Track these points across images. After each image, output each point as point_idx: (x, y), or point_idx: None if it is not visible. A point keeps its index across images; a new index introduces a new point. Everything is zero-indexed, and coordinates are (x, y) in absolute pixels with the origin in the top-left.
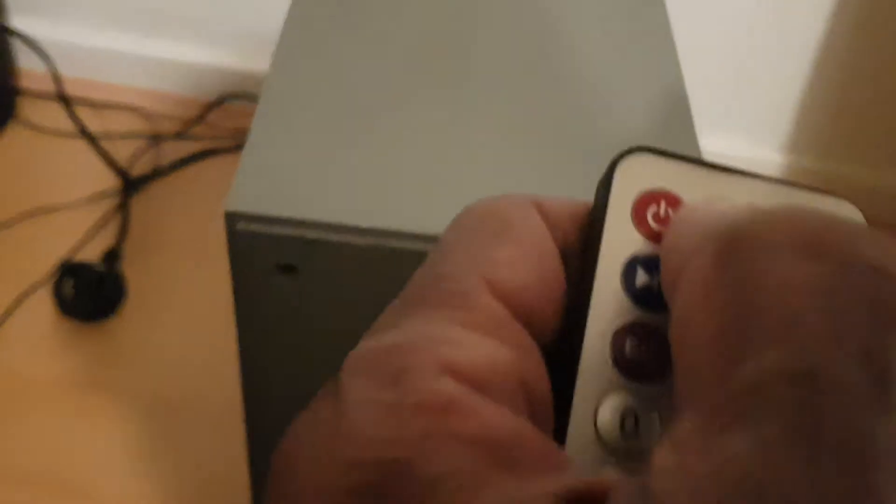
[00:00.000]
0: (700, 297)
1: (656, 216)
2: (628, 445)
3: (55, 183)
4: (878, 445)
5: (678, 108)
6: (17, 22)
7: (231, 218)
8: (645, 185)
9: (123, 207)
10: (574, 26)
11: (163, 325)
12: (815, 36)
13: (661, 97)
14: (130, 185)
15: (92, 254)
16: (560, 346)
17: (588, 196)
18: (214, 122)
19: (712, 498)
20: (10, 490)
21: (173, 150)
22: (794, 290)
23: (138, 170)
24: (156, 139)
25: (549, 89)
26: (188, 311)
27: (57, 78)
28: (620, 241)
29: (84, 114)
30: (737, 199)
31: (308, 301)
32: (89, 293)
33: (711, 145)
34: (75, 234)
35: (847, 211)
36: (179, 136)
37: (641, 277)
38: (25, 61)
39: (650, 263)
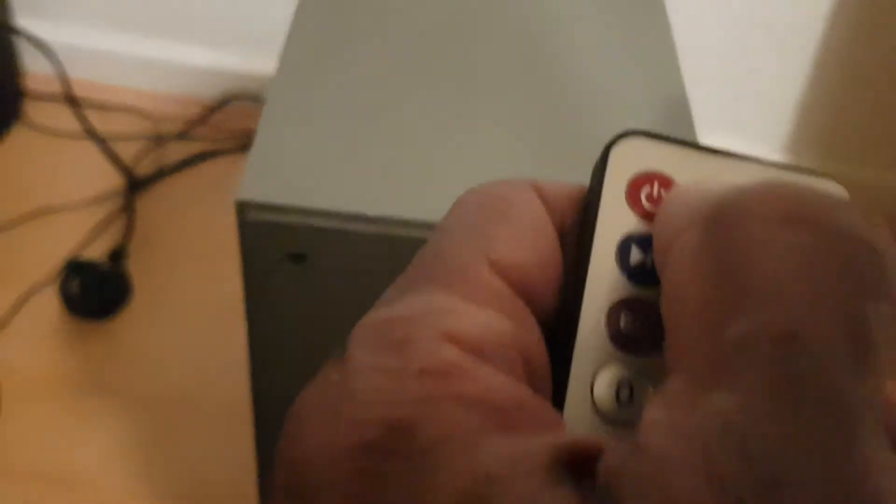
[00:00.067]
0: (688, 266)
1: (649, 197)
2: (623, 416)
3: (60, 183)
4: (857, 400)
5: (678, 108)
6: (21, 23)
7: (242, 207)
8: (639, 168)
9: (128, 207)
10: (574, 26)
11: (167, 322)
12: (815, 36)
13: (661, 97)
14: (135, 185)
15: (97, 253)
16: (558, 324)
17: (585, 183)
18: (217, 123)
19: (698, 447)
20: (15, 487)
21: (177, 151)
22: (776, 257)
23: (142, 170)
24: (159, 140)
25: (550, 88)
26: (193, 309)
27: (63, 79)
28: (615, 220)
29: (87, 115)
30: (728, 180)
31: (317, 289)
32: (95, 291)
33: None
34: (80, 234)
35: (834, 190)
36: (183, 136)
37: (635, 255)
38: (30, 63)
39: (644, 242)
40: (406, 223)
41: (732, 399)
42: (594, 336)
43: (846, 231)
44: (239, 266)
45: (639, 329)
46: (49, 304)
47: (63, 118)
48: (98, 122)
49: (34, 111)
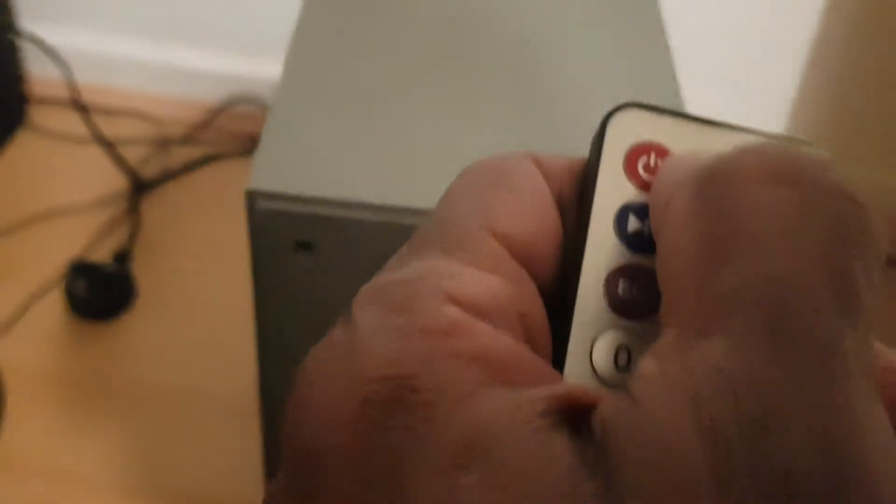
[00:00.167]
0: (681, 225)
1: (647, 167)
2: (622, 380)
3: (66, 186)
4: (841, 345)
5: (672, 106)
6: (26, 27)
7: (251, 196)
8: (636, 139)
9: (133, 210)
10: (571, 25)
11: (172, 324)
12: (811, 35)
13: (655, 96)
14: (140, 188)
15: (102, 255)
16: (557, 292)
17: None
18: (221, 127)
19: (688, 393)
20: (20, 485)
21: (181, 154)
22: (764, 212)
23: (147, 173)
24: (164, 143)
25: (546, 85)
26: (197, 310)
27: (70, 83)
28: (613, 190)
29: (93, 118)
30: (723, 150)
31: (324, 277)
32: (100, 293)
33: None
34: (86, 236)
35: (823, 155)
36: (187, 140)
37: (633, 223)
38: (34, 67)
39: (641, 211)
40: (409, 211)
41: (721, 345)
42: (593, 302)
43: (831, 188)
44: (239, 266)
45: (636, 295)
46: (55, 305)
47: (68, 122)
48: (103, 125)
49: (39, 115)
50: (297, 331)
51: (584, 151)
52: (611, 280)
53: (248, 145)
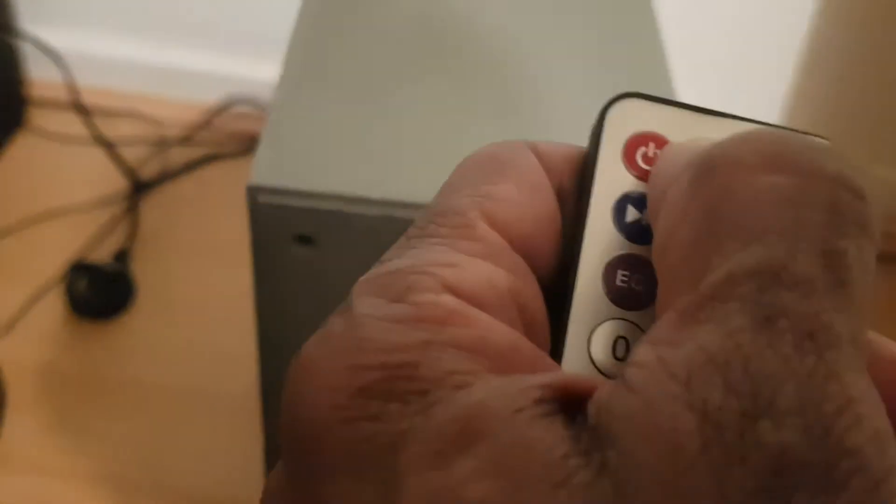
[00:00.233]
0: (677, 213)
1: (645, 157)
2: (620, 370)
3: (66, 187)
4: (835, 331)
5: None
6: (25, 28)
7: (252, 191)
8: (635, 128)
9: (133, 210)
10: (566, 21)
11: (171, 322)
12: (804, 33)
13: (648, 91)
14: (139, 188)
15: (103, 254)
16: (556, 282)
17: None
18: (219, 127)
19: (682, 380)
20: (22, 484)
21: (180, 155)
22: (759, 200)
23: (146, 173)
24: (162, 144)
25: (543, 78)
26: (196, 308)
27: (70, 85)
28: (612, 180)
29: (92, 120)
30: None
31: (325, 271)
32: (100, 292)
33: None
34: (86, 236)
35: (821, 143)
36: (186, 140)
37: (631, 214)
38: (33, 68)
39: (639, 201)
40: (407, 205)
41: (716, 332)
42: (591, 292)
43: (827, 174)
44: (238, 265)
45: (634, 285)
46: (55, 304)
47: (67, 123)
48: (102, 126)
49: (39, 116)
50: (297, 324)
51: (579, 145)
52: (609, 270)
53: (246, 145)
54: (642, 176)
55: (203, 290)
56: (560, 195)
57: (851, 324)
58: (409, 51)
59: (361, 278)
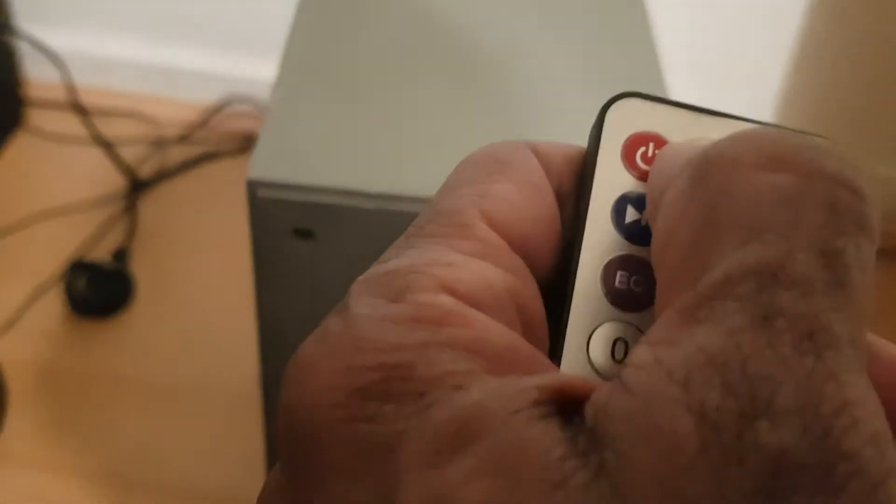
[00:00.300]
0: (676, 213)
1: (645, 157)
2: (618, 371)
3: (64, 187)
4: (834, 331)
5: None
6: (23, 28)
7: (252, 185)
8: (634, 128)
9: (131, 209)
10: (559, 20)
11: (170, 320)
12: (796, 24)
13: (640, 86)
14: (137, 187)
15: (101, 253)
16: (555, 282)
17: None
18: (217, 126)
19: (680, 380)
20: (25, 480)
21: (178, 154)
22: (759, 199)
23: (144, 172)
24: (160, 143)
25: (538, 76)
26: (196, 305)
27: (68, 85)
28: (611, 180)
29: (90, 119)
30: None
31: (324, 265)
32: (100, 291)
33: None
34: (85, 235)
35: (821, 142)
36: (183, 139)
37: (630, 214)
38: (31, 68)
39: (639, 202)
40: (408, 199)
41: (714, 332)
42: (590, 293)
43: (825, 173)
44: (236, 263)
45: (633, 286)
46: (54, 303)
47: (66, 123)
48: (100, 126)
49: (37, 116)
50: (297, 318)
51: (576, 143)
52: (608, 271)
53: (244, 144)
54: (642, 176)
55: (202, 288)
56: (559, 195)
57: (850, 324)
58: (406, 48)
59: (359, 278)
